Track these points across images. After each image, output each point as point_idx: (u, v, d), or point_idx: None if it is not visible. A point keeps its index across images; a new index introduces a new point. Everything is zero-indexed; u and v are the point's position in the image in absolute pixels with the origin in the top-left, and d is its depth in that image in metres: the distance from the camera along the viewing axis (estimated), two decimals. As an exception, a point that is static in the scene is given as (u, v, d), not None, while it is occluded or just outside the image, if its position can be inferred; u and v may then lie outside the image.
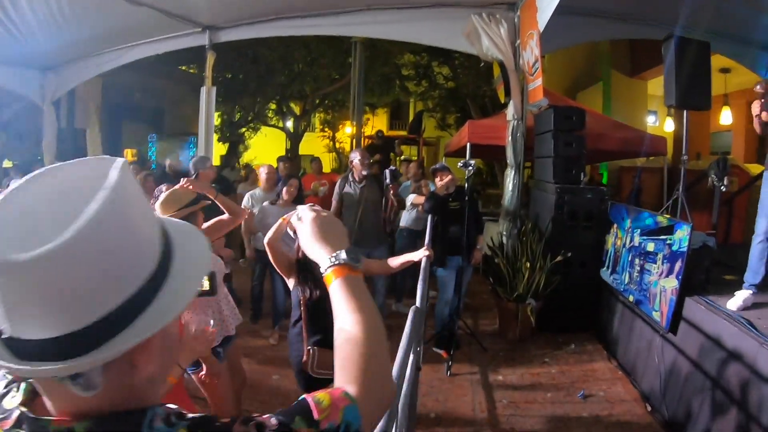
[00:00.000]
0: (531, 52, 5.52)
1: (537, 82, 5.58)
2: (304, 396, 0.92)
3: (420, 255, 3.39)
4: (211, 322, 1.55)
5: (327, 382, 3.06)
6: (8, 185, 4.45)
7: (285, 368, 4.62)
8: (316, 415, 0.88)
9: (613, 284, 4.99)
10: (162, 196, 2.92)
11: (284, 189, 5.09)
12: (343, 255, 1.11)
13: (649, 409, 3.84)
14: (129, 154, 15.61)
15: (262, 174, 5.77)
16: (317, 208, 1.22)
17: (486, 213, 7.30)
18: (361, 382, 0.94)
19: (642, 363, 4.21)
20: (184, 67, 17.38)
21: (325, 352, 2.95)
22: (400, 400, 1.78)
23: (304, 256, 2.76)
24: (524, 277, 5.16)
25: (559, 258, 5.14)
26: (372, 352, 0.98)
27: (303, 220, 1.19)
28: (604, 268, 5.25)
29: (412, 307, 2.33)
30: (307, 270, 3.00)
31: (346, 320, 1.02)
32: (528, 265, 5.17)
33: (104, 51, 8.84)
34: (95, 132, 13.05)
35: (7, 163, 11.21)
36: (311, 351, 2.99)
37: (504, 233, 6.00)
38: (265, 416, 0.86)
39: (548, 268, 5.15)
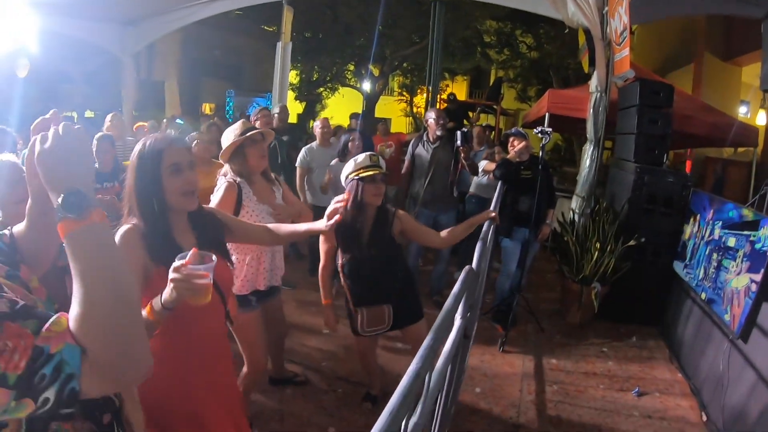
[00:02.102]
0: (619, 19, 5.12)
1: (624, 53, 5.19)
2: (61, 313, 0.91)
3: (484, 217, 3.25)
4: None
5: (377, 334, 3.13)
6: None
7: (339, 322, 4.67)
8: (44, 328, 0.87)
9: (685, 278, 4.57)
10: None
11: (350, 144, 5.03)
12: (60, 206, 0.92)
13: (704, 418, 3.54)
14: (207, 108, 16.14)
15: (317, 128, 5.71)
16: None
17: (560, 189, 6.96)
18: (93, 342, 0.89)
19: (705, 368, 3.85)
20: (266, 27, 17.58)
21: (372, 310, 3.03)
22: (438, 362, 1.69)
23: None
24: (592, 259, 4.88)
25: (631, 242, 4.82)
26: (96, 322, 0.90)
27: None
28: (678, 260, 4.83)
29: (466, 267, 2.19)
30: (344, 235, 3.00)
31: (74, 291, 0.91)
32: (598, 246, 4.88)
33: (182, 6, 9.00)
34: (174, 85, 13.55)
35: (88, 113, 11.73)
36: (358, 313, 3.03)
37: (576, 210, 5.70)
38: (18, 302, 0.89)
39: (619, 252, 4.84)
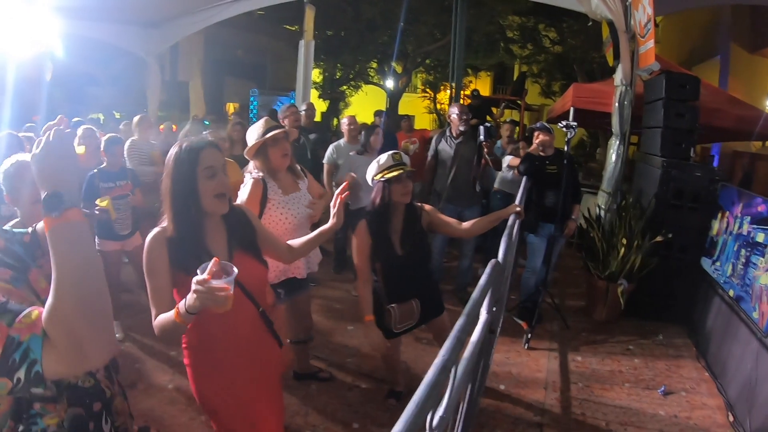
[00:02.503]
0: (643, 11, 5.04)
1: (648, 45, 5.09)
2: (34, 307, 1.08)
3: (509, 211, 3.24)
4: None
5: (405, 330, 3.12)
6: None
7: (361, 320, 4.67)
8: (16, 320, 1.04)
9: (713, 275, 4.46)
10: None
11: (371, 138, 5.04)
12: (42, 204, 1.06)
13: (731, 419, 3.45)
14: (231, 107, 16.30)
15: (344, 125, 5.71)
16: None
17: (586, 185, 6.88)
18: (54, 331, 1.02)
19: (733, 367, 3.76)
20: (287, 26, 17.71)
21: (402, 306, 3.04)
22: (464, 356, 1.67)
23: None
24: (619, 255, 4.81)
25: (658, 238, 4.73)
26: (65, 308, 1.02)
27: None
28: (706, 256, 4.72)
29: (492, 261, 2.17)
30: (377, 236, 2.99)
31: (51, 282, 1.04)
32: (625, 242, 4.81)
33: (205, 7, 9.13)
34: (198, 85, 13.71)
35: (117, 115, 11.94)
36: (391, 311, 3.03)
37: (602, 206, 5.63)
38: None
39: (646, 248, 4.76)
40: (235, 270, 1.55)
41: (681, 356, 4.39)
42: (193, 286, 1.49)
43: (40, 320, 1.04)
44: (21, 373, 1.03)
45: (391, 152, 2.97)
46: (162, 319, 1.71)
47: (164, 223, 1.84)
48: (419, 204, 3.15)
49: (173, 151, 1.84)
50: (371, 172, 2.99)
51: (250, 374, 2.00)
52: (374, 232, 2.96)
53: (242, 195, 2.88)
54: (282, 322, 3.09)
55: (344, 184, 2.36)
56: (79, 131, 4.45)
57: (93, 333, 1.04)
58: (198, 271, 1.51)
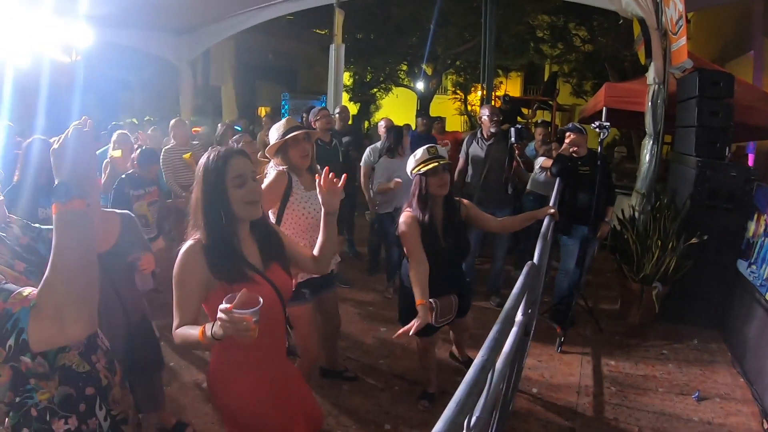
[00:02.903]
0: (674, 7, 4.95)
1: (681, 42, 5.00)
2: (25, 287, 1.26)
3: (544, 213, 3.22)
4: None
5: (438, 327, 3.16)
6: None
7: (394, 322, 4.69)
8: (10, 297, 1.22)
9: (749, 277, 4.34)
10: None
11: (401, 141, 5.07)
12: (52, 192, 1.23)
13: (765, 426, 3.35)
14: (263, 111, 16.50)
15: (381, 128, 5.76)
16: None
17: (619, 186, 6.78)
18: (43, 302, 1.18)
19: None
20: (317, 30, 17.87)
21: (443, 300, 3.10)
22: (499, 359, 1.68)
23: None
24: (653, 257, 4.73)
25: (693, 240, 4.63)
26: (56, 282, 1.18)
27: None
28: (742, 259, 4.59)
29: (528, 263, 2.19)
30: (422, 230, 3.03)
31: (52, 254, 1.20)
32: (659, 243, 4.73)
33: (235, 13, 9.27)
34: (230, 89, 13.93)
35: (147, 118, 12.20)
36: (433, 304, 3.05)
37: (636, 207, 5.54)
38: None
39: (680, 250, 4.66)
40: (261, 300, 1.54)
41: (716, 361, 4.30)
42: (219, 314, 1.50)
43: (31, 297, 1.21)
44: (12, 341, 1.23)
45: (426, 146, 3.05)
46: (185, 333, 1.71)
47: (195, 236, 1.84)
48: (458, 198, 3.21)
49: (202, 161, 1.86)
50: (409, 166, 3.07)
51: (274, 382, 2.00)
52: (421, 222, 3.02)
53: (264, 184, 2.83)
54: (309, 323, 3.09)
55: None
56: (114, 136, 4.56)
57: (76, 310, 1.19)
58: (224, 301, 1.51)
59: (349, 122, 7.84)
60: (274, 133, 3.00)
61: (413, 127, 8.29)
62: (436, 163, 2.96)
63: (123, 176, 4.17)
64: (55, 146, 1.28)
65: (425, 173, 2.98)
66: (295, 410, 2.06)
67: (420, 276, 2.93)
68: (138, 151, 4.37)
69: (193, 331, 1.66)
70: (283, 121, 3.05)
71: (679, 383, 3.93)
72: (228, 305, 1.48)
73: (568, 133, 4.88)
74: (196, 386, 3.68)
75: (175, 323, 1.76)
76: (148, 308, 2.89)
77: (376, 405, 3.53)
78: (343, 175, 2.12)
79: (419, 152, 3.03)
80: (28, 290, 1.25)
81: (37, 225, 1.68)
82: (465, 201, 3.22)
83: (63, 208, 1.21)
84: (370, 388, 3.74)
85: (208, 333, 1.58)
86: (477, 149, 5.20)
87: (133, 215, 2.80)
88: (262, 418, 1.94)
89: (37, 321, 1.18)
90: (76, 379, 1.48)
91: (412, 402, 3.54)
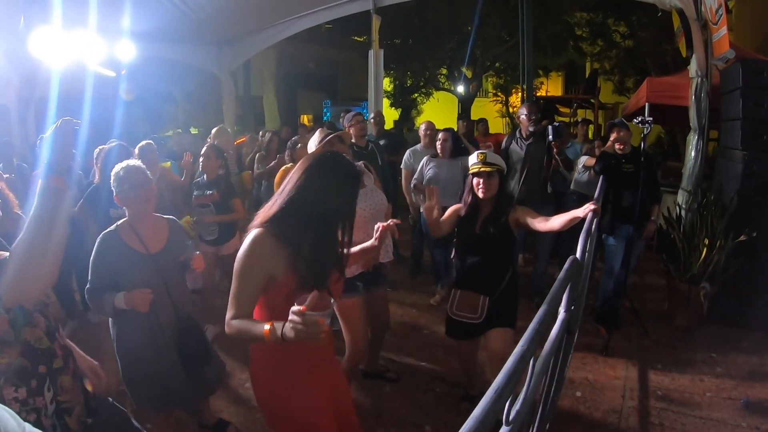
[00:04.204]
0: (713, -4, 4.82)
1: (722, 32, 4.85)
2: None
3: (585, 210, 3.07)
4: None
5: (467, 326, 3.16)
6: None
7: (437, 324, 4.73)
8: None
9: None
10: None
11: (438, 145, 5.09)
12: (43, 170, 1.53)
13: None
14: (305, 119, 16.74)
15: (422, 131, 5.78)
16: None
17: (664, 184, 6.60)
18: (12, 256, 1.51)
19: None
20: (356, 37, 18.05)
21: (467, 294, 3.15)
22: (541, 356, 1.65)
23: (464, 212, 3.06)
24: (701, 256, 4.58)
25: (742, 237, 4.45)
26: (27, 242, 1.49)
27: None
28: None
29: (570, 258, 2.14)
30: (462, 218, 3.22)
31: (27, 221, 1.50)
32: (707, 242, 4.57)
33: (274, 24, 9.50)
34: (271, 98, 14.17)
35: (193, 130, 12.52)
36: (454, 292, 3.20)
37: (682, 205, 5.39)
38: None
39: (729, 248, 4.50)
40: (333, 303, 1.57)
41: (766, 365, 4.12)
42: (291, 317, 1.49)
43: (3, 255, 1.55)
44: None
45: (479, 151, 3.24)
46: (245, 327, 1.69)
47: (259, 226, 1.82)
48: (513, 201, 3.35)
49: (323, 165, 1.88)
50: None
51: (314, 375, 2.00)
52: (460, 215, 3.24)
53: None
54: (359, 317, 3.18)
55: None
56: (136, 151, 4.45)
57: (35, 269, 1.50)
58: (296, 303, 1.50)
59: (387, 127, 7.88)
60: (311, 145, 3.27)
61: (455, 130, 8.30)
62: (478, 168, 3.13)
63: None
64: (46, 135, 1.60)
65: (473, 174, 3.17)
66: (336, 415, 2.07)
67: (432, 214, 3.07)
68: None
69: (257, 327, 1.64)
70: (318, 131, 3.34)
71: (727, 388, 3.79)
72: (301, 307, 1.48)
73: (614, 130, 4.78)
74: (239, 386, 3.75)
75: (230, 313, 1.74)
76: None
77: (417, 406, 3.53)
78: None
79: (474, 156, 3.21)
80: (4, 254, 1.59)
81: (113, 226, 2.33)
82: (518, 207, 3.25)
83: (44, 184, 1.52)
84: (412, 389, 3.75)
85: (278, 333, 1.56)
86: (516, 149, 5.16)
87: (177, 220, 2.92)
88: (306, 421, 1.96)
89: (3, 274, 1.48)
90: (33, 354, 1.65)
91: (453, 404, 3.54)
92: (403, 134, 11.54)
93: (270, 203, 1.88)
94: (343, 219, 1.86)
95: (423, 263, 6.08)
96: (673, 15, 5.72)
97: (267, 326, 1.60)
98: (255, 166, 6.54)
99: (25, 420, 0.95)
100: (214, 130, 6.07)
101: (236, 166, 6.29)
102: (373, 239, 2.28)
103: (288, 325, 1.51)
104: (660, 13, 5.87)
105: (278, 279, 1.77)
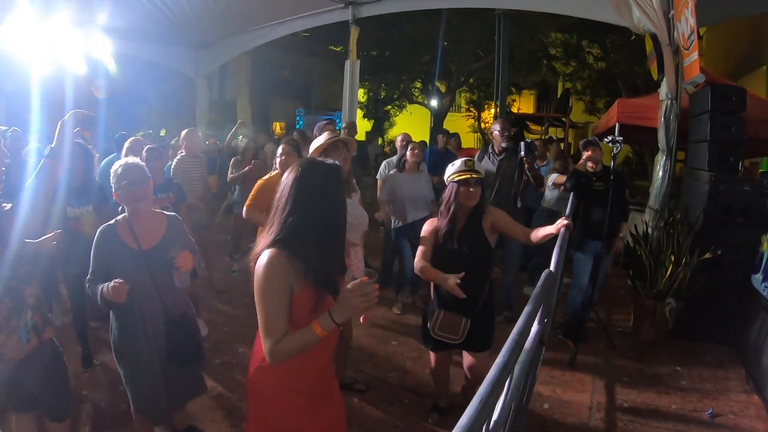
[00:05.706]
0: (686, 22, 4.95)
1: (693, 57, 5.00)
2: None
3: (558, 226, 3.16)
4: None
5: (446, 344, 3.15)
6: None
7: (404, 335, 4.73)
8: None
9: (763, 293, 4.28)
10: None
11: (407, 153, 5.11)
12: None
13: None
14: (278, 126, 16.67)
15: (398, 142, 5.82)
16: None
17: (632, 203, 6.74)
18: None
19: None
20: (333, 47, 18.08)
21: (449, 316, 3.12)
22: (515, 369, 1.64)
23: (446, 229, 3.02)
24: (667, 273, 4.68)
25: (707, 255, 4.57)
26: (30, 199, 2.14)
27: None
28: (757, 274, 4.52)
29: (545, 271, 2.19)
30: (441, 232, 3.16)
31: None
32: (673, 259, 4.68)
33: (252, 29, 9.45)
34: (245, 104, 14.09)
35: (162, 132, 12.37)
36: (437, 313, 3.15)
37: (649, 223, 5.51)
38: None
39: (694, 265, 4.62)
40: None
41: (729, 378, 4.23)
42: (359, 292, 1.63)
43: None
44: None
45: (465, 158, 3.24)
46: (295, 341, 1.71)
47: (270, 245, 1.78)
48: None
49: (312, 173, 1.85)
50: (447, 173, 3.22)
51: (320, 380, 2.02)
52: (439, 232, 3.15)
53: None
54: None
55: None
56: (127, 143, 4.71)
57: (39, 215, 2.18)
58: (351, 279, 1.63)
59: (358, 137, 7.89)
60: (316, 144, 3.38)
61: (428, 144, 8.36)
62: (469, 175, 3.10)
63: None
64: (63, 120, 2.19)
65: (458, 182, 3.11)
66: (327, 425, 2.05)
67: (425, 269, 3.06)
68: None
69: (304, 335, 1.70)
70: (325, 133, 3.50)
71: (692, 400, 3.88)
72: (358, 280, 1.67)
73: (589, 148, 4.88)
74: (205, 395, 3.68)
75: (269, 342, 1.71)
76: (191, 306, 3.01)
77: (385, 417, 3.52)
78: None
79: (458, 162, 3.19)
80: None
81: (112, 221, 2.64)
82: (490, 207, 3.27)
83: (45, 162, 2.14)
84: (380, 400, 3.73)
85: (328, 323, 1.67)
86: (488, 164, 5.21)
87: (180, 218, 2.97)
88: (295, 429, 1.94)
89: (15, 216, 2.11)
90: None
91: (422, 415, 3.53)
92: (377, 146, 11.61)
93: (269, 224, 1.85)
94: (341, 218, 1.90)
95: (392, 274, 6.02)
96: (647, 39, 5.87)
97: (315, 326, 1.69)
98: (229, 170, 6.57)
99: None
100: (183, 132, 5.93)
101: (206, 170, 6.18)
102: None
103: (342, 306, 1.67)
104: (633, 37, 6.02)
105: (296, 293, 1.77)
